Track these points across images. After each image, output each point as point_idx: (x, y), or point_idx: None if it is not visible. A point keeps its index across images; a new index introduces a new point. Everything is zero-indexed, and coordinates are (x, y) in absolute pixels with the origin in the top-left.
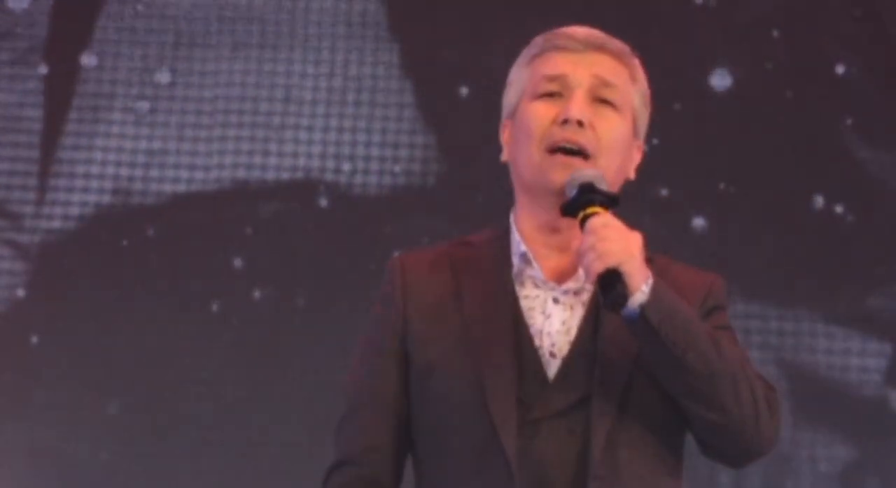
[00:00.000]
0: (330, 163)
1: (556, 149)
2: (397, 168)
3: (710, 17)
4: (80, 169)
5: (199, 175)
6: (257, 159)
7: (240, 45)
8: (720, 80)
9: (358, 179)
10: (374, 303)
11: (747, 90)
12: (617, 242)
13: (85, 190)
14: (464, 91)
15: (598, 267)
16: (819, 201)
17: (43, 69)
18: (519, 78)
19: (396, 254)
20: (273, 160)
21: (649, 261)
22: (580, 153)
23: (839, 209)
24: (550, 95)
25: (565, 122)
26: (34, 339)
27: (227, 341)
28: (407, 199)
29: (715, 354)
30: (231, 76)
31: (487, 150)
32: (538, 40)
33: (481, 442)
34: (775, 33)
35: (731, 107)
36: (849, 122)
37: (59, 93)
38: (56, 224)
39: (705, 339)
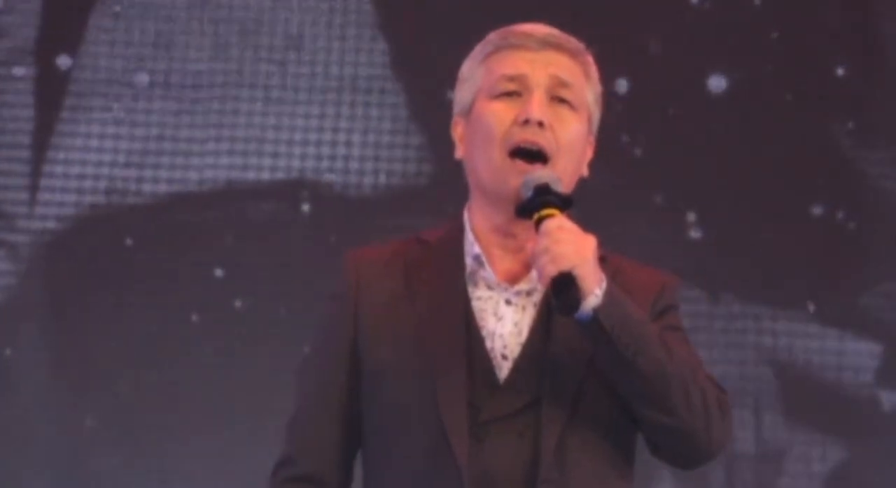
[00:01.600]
0: (316, 165)
1: (517, 152)
2: (386, 169)
3: (706, 18)
4: (59, 169)
5: (178, 177)
6: (240, 161)
7: (221, 45)
8: (716, 83)
9: (345, 181)
10: (325, 304)
11: (744, 93)
12: (571, 245)
13: (63, 191)
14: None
15: (552, 270)
16: (813, 203)
17: (31, 70)
18: (473, 75)
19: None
20: (255, 161)
21: (602, 260)
22: (540, 155)
23: (832, 210)
24: (509, 95)
25: (526, 122)
26: (7, 352)
27: (208, 350)
28: (396, 201)
29: (667, 358)
30: (213, 77)
31: None
32: (493, 37)
33: (431, 444)
34: (773, 35)
35: (728, 110)
36: (843, 124)
37: (49, 93)
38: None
39: (657, 343)
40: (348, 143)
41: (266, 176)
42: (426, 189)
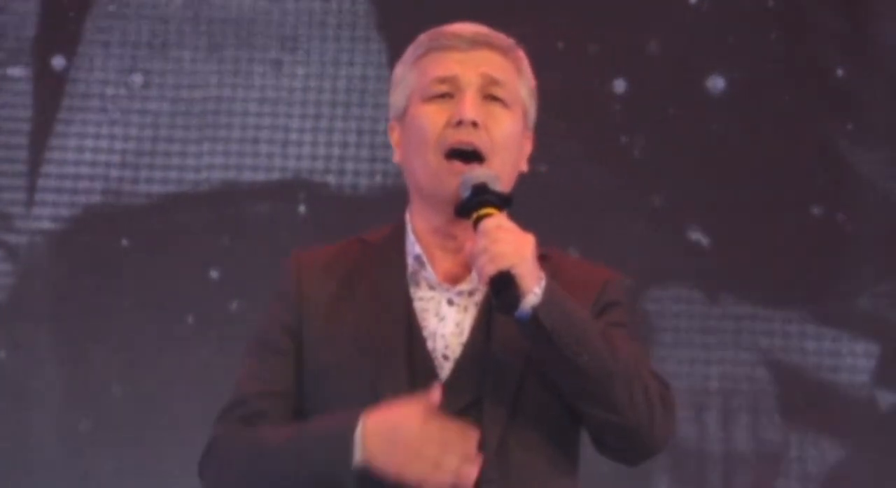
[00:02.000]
0: (311, 166)
1: (452, 153)
2: (382, 169)
3: (704, 19)
4: (56, 170)
5: (174, 177)
6: (238, 161)
7: (216, 45)
8: (715, 84)
9: (341, 181)
10: (270, 304)
11: (742, 94)
12: (509, 244)
13: (60, 191)
14: None
15: (490, 269)
16: (811, 203)
17: (28, 71)
18: (406, 78)
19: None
20: (251, 162)
21: (543, 257)
22: (475, 155)
23: (830, 211)
24: (441, 97)
25: (459, 123)
26: (2, 353)
27: (203, 352)
28: (392, 201)
29: (609, 355)
30: (208, 77)
31: None
32: (423, 39)
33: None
34: (772, 36)
35: (726, 111)
36: (841, 124)
37: (46, 94)
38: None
39: (599, 340)
40: (344, 144)
41: (262, 176)
42: None
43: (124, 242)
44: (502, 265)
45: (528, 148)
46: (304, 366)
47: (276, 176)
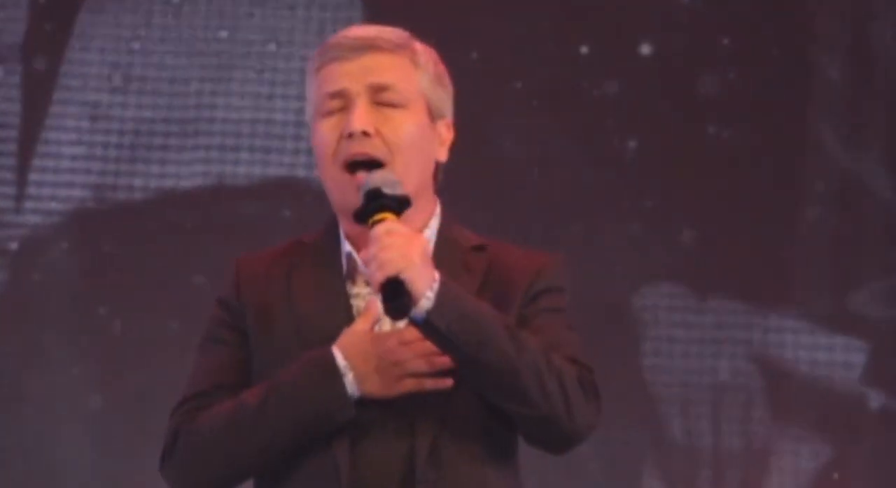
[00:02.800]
0: (306, 164)
1: (352, 166)
2: None
3: (697, 19)
4: (46, 168)
5: (172, 174)
6: (225, 161)
7: (203, 45)
8: (707, 84)
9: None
10: (214, 306)
11: (735, 94)
12: (396, 250)
13: (51, 187)
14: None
15: (379, 277)
16: (802, 203)
17: (18, 67)
18: (308, 93)
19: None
20: (247, 158)
21: (480, 248)
22: (374, 164)
23: (821, 210)
24: (333, 112)
25: (350, 135)
26: None
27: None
28: None
29: (513, 350)
30: (194, 76)
31: (462, 151)
32: (317, 53)
33: (310, 447)
34: (765, 37)
35: (718, 111)
36: (830, 124)
37: (36, 91)
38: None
39: (502, 337)
40: None
41: (249, 177)
42: None
43: (113, 242)
44: (390, 271)
45: (447, 136)
46: (251, 366)
47: (263, 177)
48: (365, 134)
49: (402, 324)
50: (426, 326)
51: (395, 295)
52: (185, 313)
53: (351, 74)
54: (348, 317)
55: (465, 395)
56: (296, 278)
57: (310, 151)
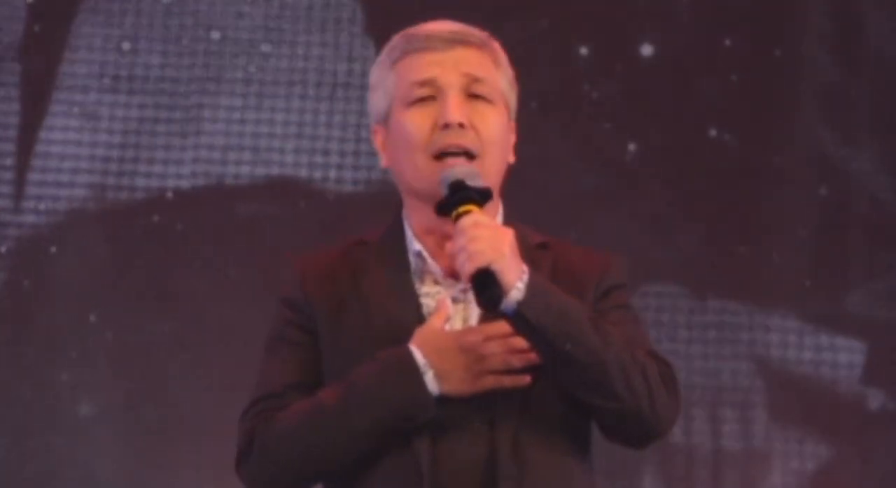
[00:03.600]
0: (304, 162)
1: (443, 156)
2: (367, 166)
3: (697, 17)
4: (44, 167)
5: (177, 174)
6: (224, 159)
7: (202, 42)
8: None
9: (334, 180)
10: (277, 308)
11: (731, 94)
12: (486, 241)
13: (50, 185)
14: None
15: (469, 268)
16: (800, 202)
17: (17, 66)
18: (384, 82)
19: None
20: (248, 158)
21: (543, 246)
22: (467, 156)
23: (818, 211)
24: (423, 100)
25: (446, 126)
26: None
27: (186, 355)
28: (385, 200)
29: (601, 343)
30: (193, 74)
31: None
32: (398, 42)
33: (391, 447)
34: (760, 36)
35: (715, 110)
36: (828, 125)
37: (37, 89)
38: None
39: (588, 329)
40: (327, 141)
41: (248, 176)
42: None
43: (110, 240)
44: (480, 262)
45: (512, 138)
46: (322, 365)
47: (259, 178)
48: (461, 125)
49: (474, 321)
50: (517, 318)
51: (486, 286)
52: (178, 318)
53: (443, 64)
54: (419, 317)
55: (544, 390)
56: (364, 278)
57: (310, 152)
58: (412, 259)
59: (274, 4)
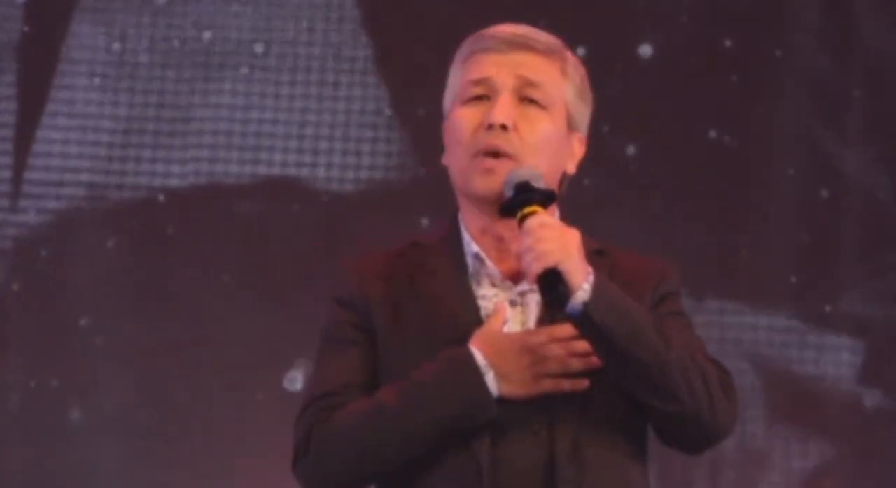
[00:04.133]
0: (297, 162)
1: (480, 154)
2: (369, 164)
3: (697, 16)
4: (41, 165)
5: (173, 173)
6: (223, 159)
7: (199, 43)
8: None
9: (330, 179)
10: (331, 309)
11: (729, 94)
12: (554, 241)
13: (46, 185)
14: (442, 85)
15: (537, 267)
16: (796, 203)
17: (13, 66)
18: (453, 80)
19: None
20: (234, 160)
21: (598, 252)
22: (504, 156)
23: (815, 211)
24: (478, 99)
25: (489, 127)
26: None
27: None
28: (381, 200)
29: (663, 346)
30: (194, 71)
31: None
32: (468, 42)
33: (450, 448)
34: (757, 36)
35: (719, 112)
36: (826, 125)
37: (34, 89)
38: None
39: (652, 332)
40: (330, 139)
41: (246, 176)
42: (407, 188)
43: (110, 241)
44: (548, 262)
45: (579, 150)
46: (378, 366)
47: (254, 177)
48: (504, 128)
49: (531, 324)
50: (582, 318)
51: (553, 286)
52: (171, 322)
53: (500, 65)
54: (477, 319)
55: (604, 394)
56: (421, 280)
57: (306, 151)
58: (470, 261)
59: (266, 4)
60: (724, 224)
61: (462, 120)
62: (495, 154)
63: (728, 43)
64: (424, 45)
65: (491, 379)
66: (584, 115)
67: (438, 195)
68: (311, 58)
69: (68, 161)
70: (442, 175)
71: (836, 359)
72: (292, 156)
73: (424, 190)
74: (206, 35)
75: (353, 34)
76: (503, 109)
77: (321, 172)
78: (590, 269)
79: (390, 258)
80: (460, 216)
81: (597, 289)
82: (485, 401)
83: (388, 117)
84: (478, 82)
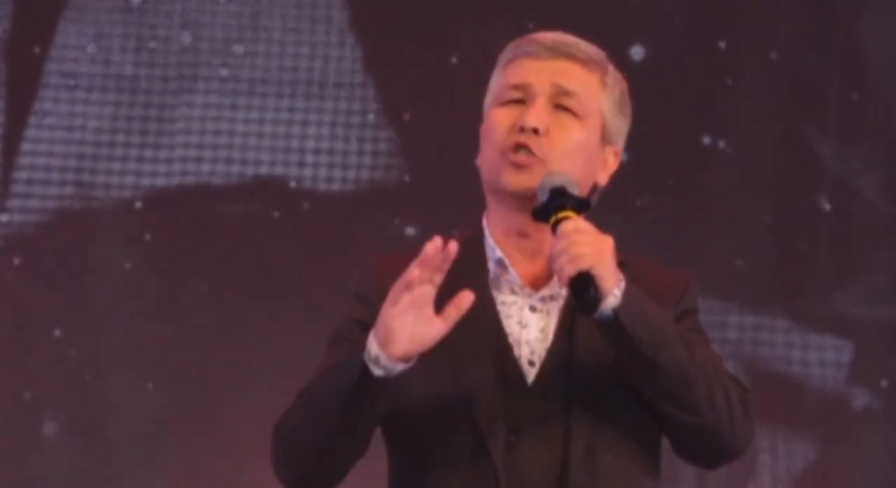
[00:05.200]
0: (283, 164)
1: (510, 151)
2: (356, 164)
3: (690, 17)
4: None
5: (160, 174)
6: (220, 159)
7: (186, 41)
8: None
9: (313, 185)
10: (348, 305)
11: (726, 96)
12: (589, 246)
13: (32, 185)
14: (432, 87)
15: (570, 270)
16: (785, 203)
17: (2, 65)
18: (493, 84)
19: (371, 256)
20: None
21: (623, 264)
22: (525, 150)
23: (803, 211)
24: (514, 102)
25: (521, 129)
26: None
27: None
28: (370, 200)
29: (688, 357)
30: (181, 69)
31: (451, 150)
32: (511, 45)
33: (469, 450)
34: (753, 39)
35: (713, 116)
36: (818, 124)
37: (22, 87)
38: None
39: (678, 342)
40: (318, 139)
41: (234, 177)
42: (397, 189)
43: (95, 240)
44: (582, 266)
45: (612, 163)
46: None
47: (242, 179)
48: (535, 131)
49: (551, 330)
50: (611, 324)
51: (585, 289)
52: (146, 332)
53: (540, 71)
54: (495, 325)
55: (620, 402)
56: (441, 284)
57: (291, 156)
58: (492, 266)
59: (248, 4)
60: (710, 221)
61: (496, 120)
62: (524, 150)
63: (722, 44)
64: (412, 48)
65: (373, 344)
66: (620, 128)
67: (424, 202)
68: (290, 57)
69: (35, 173)
70: (428, 181)
71: (825, 359)
72: (271, 159)
73: (410, 197)
74: (186, 37)
75: (335, 33)
76: (537, 113)
77: (304, 178)
78: (621, 276)
79: (409, 259)
80: (485, 220)
81: (627, 295)
82: (357, 363)
83: (373, 121)
84: (516, 86)
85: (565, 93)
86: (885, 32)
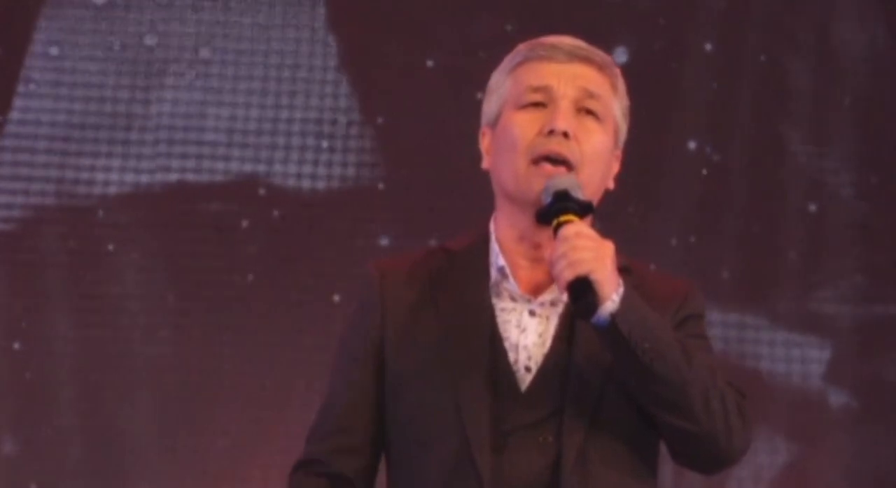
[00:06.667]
0: (266, 163)
1: (541, 160)
2: (341, 162)
3: (675, 19)
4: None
5: (142, 177)
6: (203, 162)
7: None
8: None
9: (284, 191)
10: (354, 313)
11: (710, 99)
12: (588, 251)
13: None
14: (407, 90)
15: (569, 275)
16: (763, 205)
17: None
18: (501, 86)
19: (373, 261)
20: (209, 158)
21: (625, 269)
22: (564, 164)
23: (782, 212)
24: (535, 106)
25: (551, 132)
26: None
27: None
28: (350, 201)
29: (685, 364)
30: (166, 65)
31: (430, 150)
32: (522, 48)
33: (453, 455)
34: (732, 41)
35: (699, 119)
36: (795, 123)
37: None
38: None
39: (676, 349)
40: (302, 139)
41: (218, 176)
42: (378, 189)
43: (76, 242)
44: (581, 271)
45: (616, 167)
46: (385, 372)
47: (231, 175)
48: (566, 135)
49: (549, 335)
50: (608, 329)
51: (583, 294)
52: (110, 346)
53: (560, 75)
54: (493, 333)
55: (614, 407)
56: (440, 287)
57: (276, 147)
58: (493, 273)
59: (217, 7)
60: (689, 223)
61: (518, 124)
62: (556, 161)
63: (709, 47)
64: (389, 50)
65: None
66: (624, 132)
67: (397, 211)
68: (286, 53)
69: None
70: (401, 189)
71: (803, 358)
72: (244, 157)
73: (383, 205)
74: (151, 39)
75: (314, 37)
76: (566, 117)
77: (275, 182)
78: (620, 281)
79: (415, 263)
80: (493, 225)
81: (625, 301)
82: None
83: (346, 125)
84: (538, 89)
85: (590, 96)
86: (860, 34)
